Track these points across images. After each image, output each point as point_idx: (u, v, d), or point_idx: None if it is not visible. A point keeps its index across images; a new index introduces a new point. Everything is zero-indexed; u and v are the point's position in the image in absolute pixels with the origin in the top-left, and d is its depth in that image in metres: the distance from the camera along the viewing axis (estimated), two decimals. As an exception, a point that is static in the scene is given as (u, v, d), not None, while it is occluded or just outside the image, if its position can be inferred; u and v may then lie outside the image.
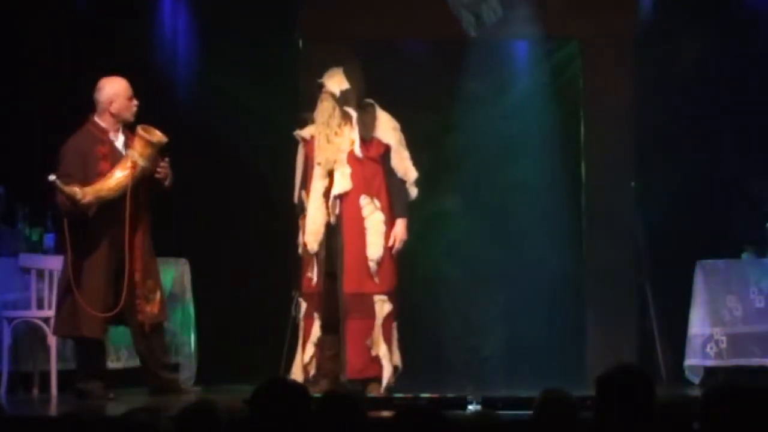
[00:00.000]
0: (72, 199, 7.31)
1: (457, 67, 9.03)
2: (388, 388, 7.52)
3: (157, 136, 7.56)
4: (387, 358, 7.53)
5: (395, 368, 7.62)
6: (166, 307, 7.79)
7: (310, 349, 7.56)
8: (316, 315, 7.57)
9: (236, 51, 8.84)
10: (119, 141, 7.67)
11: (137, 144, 7.54)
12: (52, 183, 7.24)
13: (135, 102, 7.69)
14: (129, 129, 7.72)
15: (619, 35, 8.94)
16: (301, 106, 8.17)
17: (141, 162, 7.51)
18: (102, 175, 7.48)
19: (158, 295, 7.68)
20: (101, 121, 7.66)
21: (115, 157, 7.59)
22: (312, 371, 7.55)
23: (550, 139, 8.96)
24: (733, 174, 8.82)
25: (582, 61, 9.08)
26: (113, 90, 7.67)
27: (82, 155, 7.50)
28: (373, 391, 7.46)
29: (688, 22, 8.81)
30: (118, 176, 7.49)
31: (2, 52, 8.93)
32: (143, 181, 7.56)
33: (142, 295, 7.59)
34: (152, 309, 7.63)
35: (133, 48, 8.87)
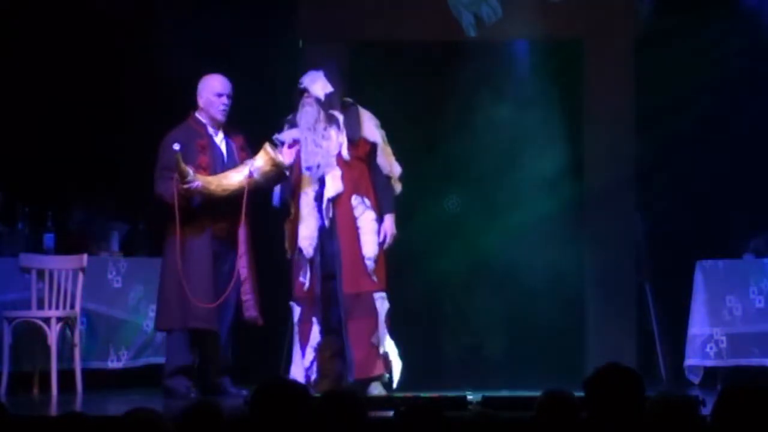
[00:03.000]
0: (182, 177, 7.30)
1: (457, 68, 9.02)
2: (390, 384, 7.53)
3: (281, 159, 7.54)
4: (395, 353, 7.56)
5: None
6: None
7: (310, 354, 7.56)
8: (314, 319, 7.56)
9: (236, 51, 8.83)
10: (218, 137, 7.70)
11: (260, 159, 7.53)
12: (175, 154, 7.24)
13: (223, 101, 7.68)
14: (234, 132, 7.75)
15: (619, 35, 8.95)
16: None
17: (257, 176, 7.51)
18: (201, 168, 7.48)
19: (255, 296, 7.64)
20: (200, 116, 7.71)
21: (214, 153, 7.63)
22: (313, 375, 7.55)
23: (550, 139, 8.95)
24: (733, 174, 8.81)
25: (582, 61, 9.08)
26: (203, 84, 7.73)
27: (182, 147, 7.40)
28: (377, 390, 7.48)
29: (688, 21, 8.81)
30: (233, 180, 7.51)
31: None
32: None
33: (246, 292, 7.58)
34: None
35: (133, 48, 8.86)
